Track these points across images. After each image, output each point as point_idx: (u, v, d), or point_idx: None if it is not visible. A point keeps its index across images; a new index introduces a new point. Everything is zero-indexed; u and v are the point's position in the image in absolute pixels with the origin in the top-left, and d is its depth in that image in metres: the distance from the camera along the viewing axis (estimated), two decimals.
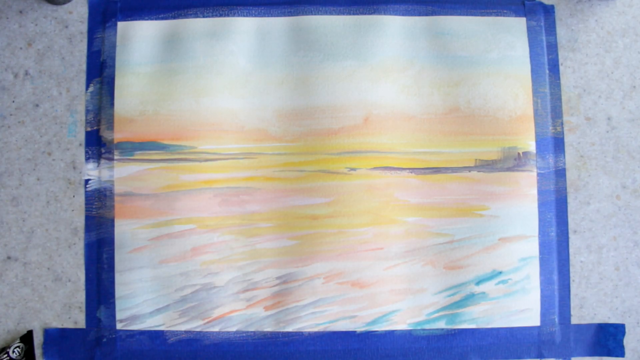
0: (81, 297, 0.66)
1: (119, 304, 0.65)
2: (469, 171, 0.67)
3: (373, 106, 0.67)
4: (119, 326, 0.65)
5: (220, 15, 0.68)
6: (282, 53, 0.68)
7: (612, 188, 0.68)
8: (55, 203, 0.67)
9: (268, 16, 0.68)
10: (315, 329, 0.65)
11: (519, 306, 0.66)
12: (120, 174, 0.66)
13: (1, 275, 0.66)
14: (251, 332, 0.65)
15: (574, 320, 0.67)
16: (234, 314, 0.65)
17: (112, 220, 0.66)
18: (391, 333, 0.65)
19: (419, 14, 0.68)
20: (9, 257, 0.66)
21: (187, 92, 0.66)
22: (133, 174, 0.66)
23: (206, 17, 0.68)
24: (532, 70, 0.68)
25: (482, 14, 0.68)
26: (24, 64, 0.68)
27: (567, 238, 0.67)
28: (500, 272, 0.66)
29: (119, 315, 0.65)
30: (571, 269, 0.67)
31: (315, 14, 0.68)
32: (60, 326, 0.66)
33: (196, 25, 0.68)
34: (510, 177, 0.66)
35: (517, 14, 0.69)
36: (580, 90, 0.69)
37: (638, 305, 0.67)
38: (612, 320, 0.67)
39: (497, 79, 0.67)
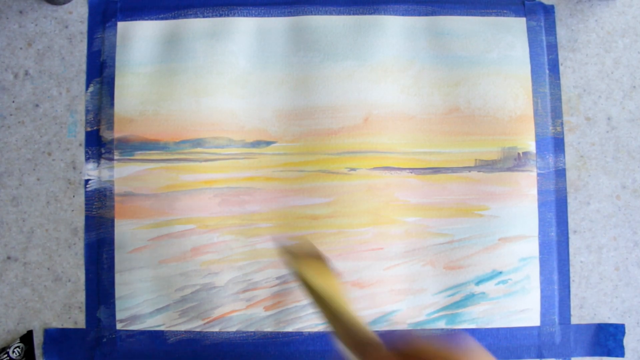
0: (81, 297, 0.66)
1: (119, 304, 0.65)
2: (469, 171, 0.67)
3: (373, 106, 0.67)
4: (119, 326, 0.65)
5: (220, 15, 0.68)
6: (282, 53, 0.68)
7: (612, 188, 0.68)
8: (55, 203, 0.67)
9: (268, 16, 0.68)
10: (315, 329, 0.65)
11: (519, 306, 0.66)
12: (120, 174, 0.66)
13: (1, 275, 0.66)
14: (251, 332, 0.65)
15: (574, 320, 0.67)
16: (234, 314, 0.65)
17: (112, 220, 0.66)
18: (391, 333, 0.65)
19: (419, 14, 0.68)
20: (9, 257, 0.66)
21: (187, 92, 0.66)
22: (133, 174, 0.66)
23: (206, 17, 0.68)
24: (532, 71, 0.68)
25: (482, 14, 0.68)
26: (24, 64, 0.68)
27: (567, 238, 0.67)
28: (500, 272, 0.66)
29: (119, 316, 0.65)
30: (571, 269, 0.67)
31: (315, 14, 0.68)
32: (60, 326, 0.66)
33: (196, 25, 0.68)
34: (510, 177, 0.66)
35: (517, 14, 0.69)
36: (580, 90, 0.69)
37: (638, 305, 0.67)
38: (612, 320, 0.67)
39: (497, 79, 0.67)
